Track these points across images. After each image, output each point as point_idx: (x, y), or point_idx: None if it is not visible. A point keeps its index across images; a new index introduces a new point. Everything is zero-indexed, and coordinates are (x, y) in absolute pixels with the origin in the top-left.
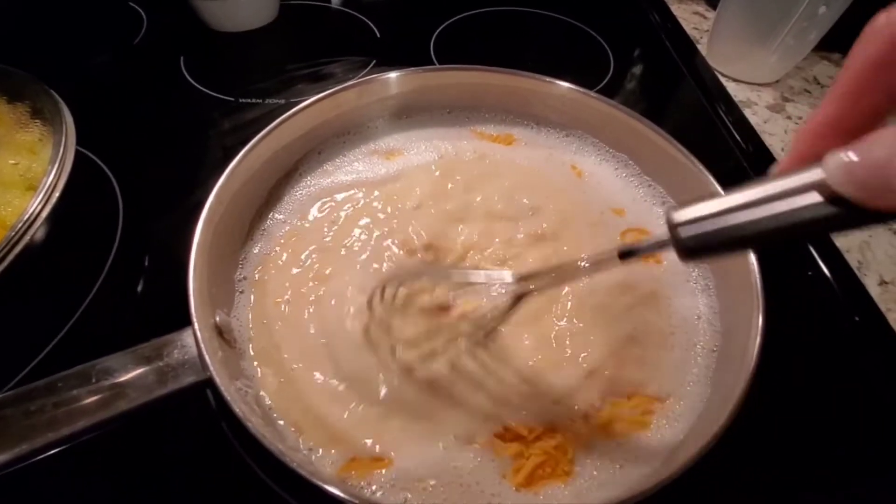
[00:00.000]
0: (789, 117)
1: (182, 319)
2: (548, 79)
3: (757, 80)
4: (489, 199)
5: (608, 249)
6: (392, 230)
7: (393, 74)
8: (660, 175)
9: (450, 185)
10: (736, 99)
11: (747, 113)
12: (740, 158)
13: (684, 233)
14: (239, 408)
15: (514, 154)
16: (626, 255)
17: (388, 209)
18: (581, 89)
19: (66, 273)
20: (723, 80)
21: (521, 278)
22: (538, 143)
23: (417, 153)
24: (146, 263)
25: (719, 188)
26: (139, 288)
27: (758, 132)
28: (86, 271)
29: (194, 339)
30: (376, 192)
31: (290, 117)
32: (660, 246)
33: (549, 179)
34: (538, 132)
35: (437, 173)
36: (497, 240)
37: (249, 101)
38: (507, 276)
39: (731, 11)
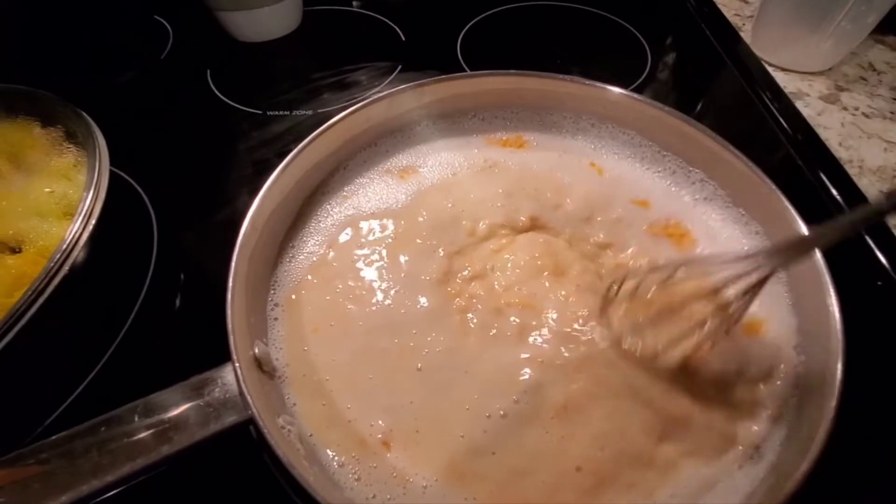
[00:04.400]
0: (845, 108)
1: (221, 340)
2: (588, 81)
3: (808, 69)
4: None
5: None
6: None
7: (427, 82)
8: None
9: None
10: (786, 90)
11: (799, 105)
12: (790, 149)
13: None
14: (282, 451)
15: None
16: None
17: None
18: (628, 93)
19: (106, 296)
20: (769, 69)
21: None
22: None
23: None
24: (181, 281)
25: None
26: (176, 306)
27: (811, 125)
28: (125, 293)
29: (235, 377)
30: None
31: (319, 136)
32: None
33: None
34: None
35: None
36: None
37: (277, 113)
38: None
39: None
